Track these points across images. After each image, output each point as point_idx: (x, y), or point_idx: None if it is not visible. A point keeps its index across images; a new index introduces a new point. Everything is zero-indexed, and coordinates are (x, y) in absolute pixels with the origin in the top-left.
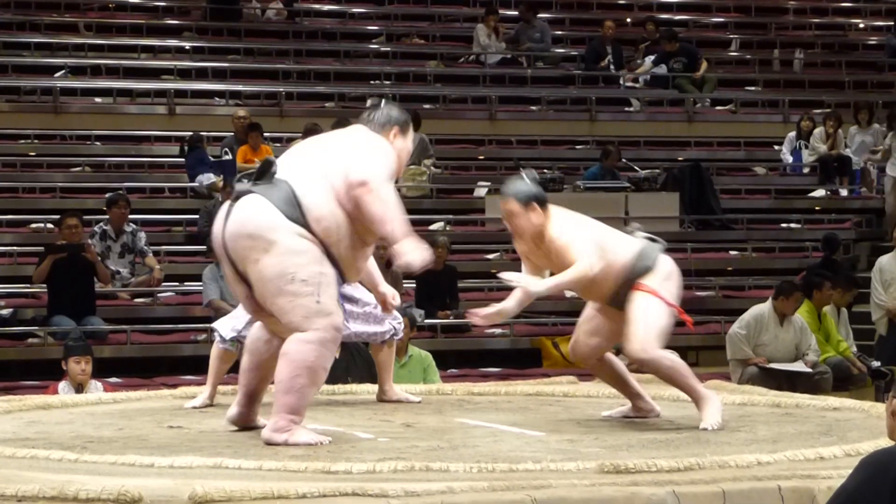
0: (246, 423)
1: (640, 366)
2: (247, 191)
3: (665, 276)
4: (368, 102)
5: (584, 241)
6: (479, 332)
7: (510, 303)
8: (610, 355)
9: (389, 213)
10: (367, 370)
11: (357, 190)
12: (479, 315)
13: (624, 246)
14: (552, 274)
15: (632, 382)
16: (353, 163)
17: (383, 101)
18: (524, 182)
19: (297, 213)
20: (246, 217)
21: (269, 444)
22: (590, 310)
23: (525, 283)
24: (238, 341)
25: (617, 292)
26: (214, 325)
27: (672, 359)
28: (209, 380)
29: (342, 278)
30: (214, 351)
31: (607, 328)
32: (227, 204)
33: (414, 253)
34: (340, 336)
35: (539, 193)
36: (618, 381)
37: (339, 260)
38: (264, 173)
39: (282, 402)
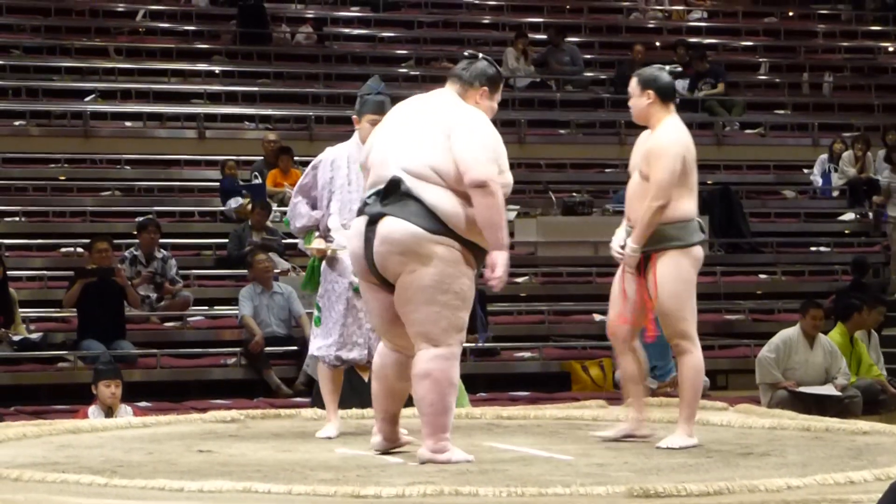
0: (394, 445)
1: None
2: (380, 213)
3: (685, 255)
4: (466, 53)
5: (675, 164)
6: (509, 357)
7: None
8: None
9: (498, 218)
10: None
11: (474, 191)
12: None
13: (690, 204)
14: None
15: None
16: (464, 157)
17: (480, 55)
18: (661, 71)
19: (437, 224)
20: (393, 238)
21: (430, 461)
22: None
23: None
24: (341, 360)
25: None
26: (314, 353)
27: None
28: (330, 406)
29: (483, 259)
30: (325, 375)
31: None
32: (360, 223)
33: (504, 268)
34: None
35: (663, 84)
36: (631, 377)
37: (480, 244)
38: (392, 192)
39: (438, 423)
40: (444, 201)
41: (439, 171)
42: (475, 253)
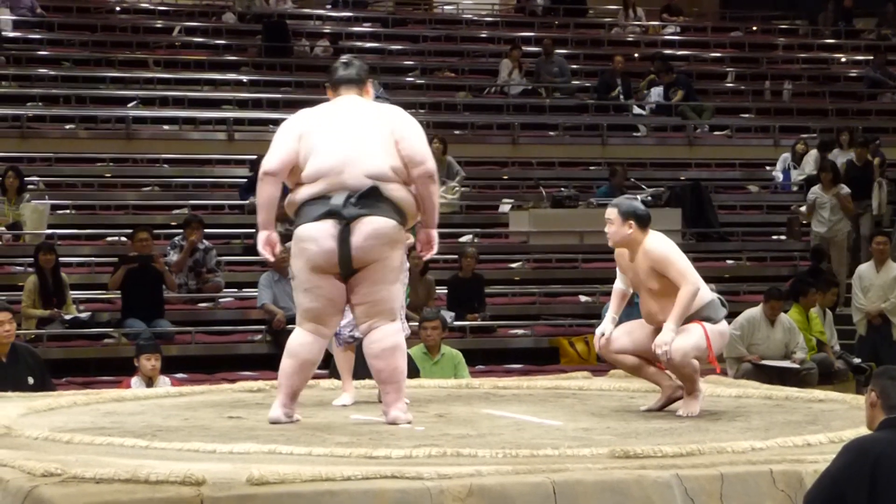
0: (290, 420)
1: (672, 367)
2: (357, 214)
3: (719, 332)
4: (345, 58)
5: (683, 259)
6: (504, 333)
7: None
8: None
9: (438, 202)
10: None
11: (426, 180)
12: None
13: (704, 288)
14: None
15: (650, 367)
16: (416, 151)
17: (349, 56)
18: (635, 201)
19: (401, 216)
20: (380, 233)
21: (397, 423)
22: (634, 322)
23: (663, 343)
24: (354, 338)
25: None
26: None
27: (697, 369)
28: (345, 378)
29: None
30: (340, 350)
31: (642, 337)
32: (328, 226)
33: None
34: None
35: (641, 214)
36: (636, 368)
37: (406, 227)
38: (370, 197)
39: (403, 386)
40: (404, 196)
41: (396, 171)
42: None
